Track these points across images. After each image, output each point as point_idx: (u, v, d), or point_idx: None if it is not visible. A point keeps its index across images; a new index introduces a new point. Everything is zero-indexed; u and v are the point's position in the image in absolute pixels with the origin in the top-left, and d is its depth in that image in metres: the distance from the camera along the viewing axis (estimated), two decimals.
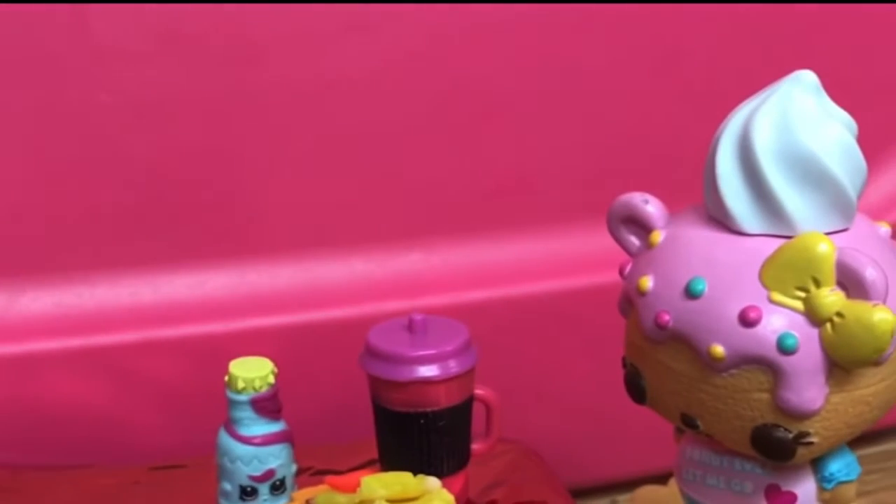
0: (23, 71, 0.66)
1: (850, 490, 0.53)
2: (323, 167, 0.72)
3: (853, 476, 0.53)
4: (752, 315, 0.47)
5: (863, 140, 0.50)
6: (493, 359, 0.63)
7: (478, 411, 0.63)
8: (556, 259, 0.76)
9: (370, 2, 0.70)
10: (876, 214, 0.58)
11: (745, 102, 0.51)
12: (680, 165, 0.64)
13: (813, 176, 0.48)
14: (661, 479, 0.63)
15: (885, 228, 0.52)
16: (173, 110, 0.69)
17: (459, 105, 0.73)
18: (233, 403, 0.58)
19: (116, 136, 0.68)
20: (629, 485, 0.66)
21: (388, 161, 0.73)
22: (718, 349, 0.48)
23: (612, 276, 0.55)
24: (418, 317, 0.61)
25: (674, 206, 0.53)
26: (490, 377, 0.63)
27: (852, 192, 0.49)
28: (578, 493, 0.75)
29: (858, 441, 0.52)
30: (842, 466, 0.53)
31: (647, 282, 0.51)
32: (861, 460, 0.54)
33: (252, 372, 0.58)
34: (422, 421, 0.60)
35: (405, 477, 0.54)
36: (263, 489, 0.58)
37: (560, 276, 0.76)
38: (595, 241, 0.70)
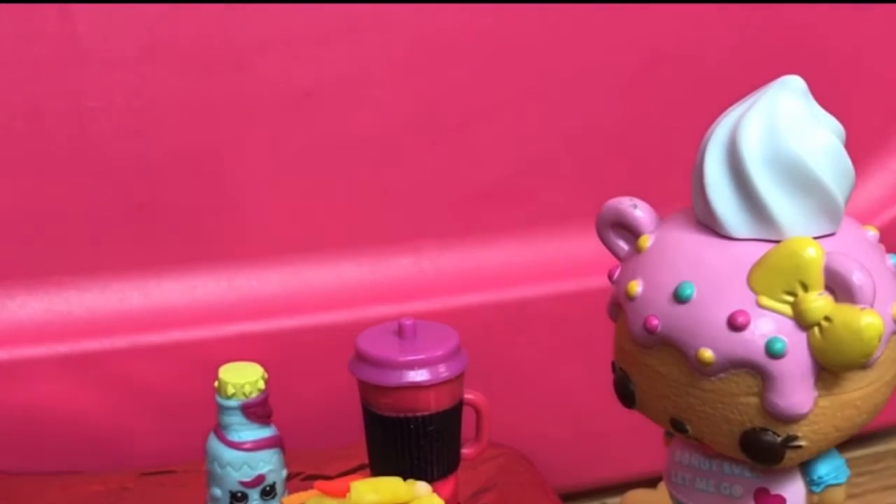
0: (9, 76, 0.66)
1: (840, 493, 0.54)
2: (312, 172, 0.72)
3: (842, 479, 0.53)
4: (741, 319, 0.47)
5: (850, 144, 0.50)
6: (482, 363, 0.63)
7: (467, 416, 0.63)
8: (545, 263, 0.76)
9: (356, 2, 0.70)
10: (864, 218, 0.58)
11: (732, 107, 0.51)
12: (668, 170, 0.64)
13: (801, 180, 0.49)
14: (651, 482, 0.63)
15: (872, 232, 0.53)
16: (161, 115, 0.69)
17: (448, 109, 0.73)
18: (223, 409, 0.58)
19: (104, 141, 0.68)
20: (619, 488, 0.66)
21: (377, 165, 0.73)
22: (707, 353, 0.48)
23: (601, 281, 0.55)
24: (408, 321, 0.61)
25: (662, 211, 0.54)
26: (480, 381, 0.63)
27: (840, 197, 0.50)
28: (568, 496, 0.75)
29: (847, 444, 0.52)
30: (830, 469, 0.53)
31: (636, 286, 0.51)
32: (850, 463, 0.54)
33: (242, 377, 0.58)
34: (411, 426, 0.60)
35: (395, 482, 0.54)
36: (254, 494, 0.58)
37: (550, 281, 0.76)
38: (584, 245, 0.71)
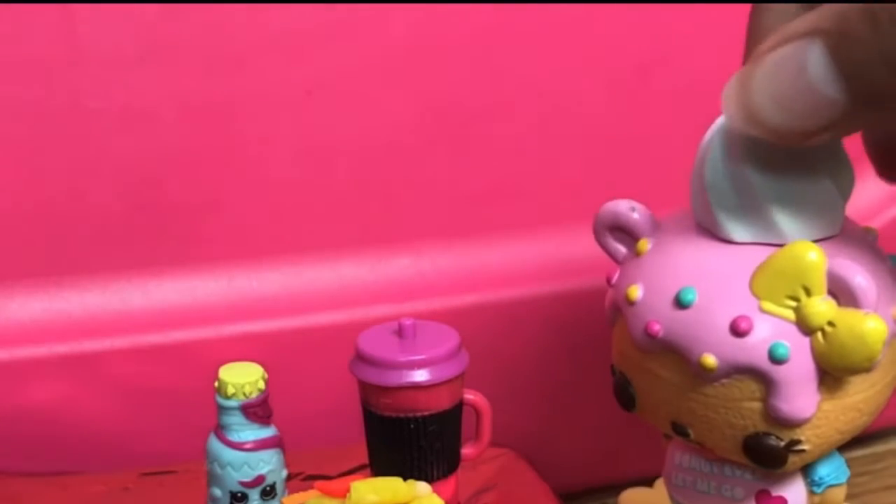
0: (8, 75, 0.66)
1: (840, 493, 0.54)
2: (311, 171, 0.72)
3: (842, 479, 0.53)
4: (743, 325, 0.47)
5: (850, 144, 0.50)
6: (483, 363, 0.63)
7: (467, 416, 0.63)
8: (545, 263, 0.76)
9: (357, 2, 0.70)
10: (864, 218, 0.58)
11: None
12: (667, 172, 0.64)
13: (801, 182, 0.49)
14: (651, 483, 0.63)
15: (872, 233, 0.53)
16: (160, 115, 0.69)
17: (448, 109, 0.73)
18: (223, 409, 0.58)
19: (104, 141, 0.68)
20: (619, 488, 0.66)
21: (377, 165, 0.73)
22: (709, 359, 0.48)
23: (601, 281, 0.55)
24: (408, 321, 0.61)
25: (661, 214, 0.53)
26: (480, 381, 0.63)
27: (840, 198, 0.50)
28: (568, 496, 0.75)
29: (847, 444, 0.52)
30: (831, 470, 0.53)
31: (636, 291, 0.51)
32: (850, 463, 0.54)
33: (242, 377, 0.58)
34: (412, 426, 0.60)
35: (395, 482, 0.54)
36: (254, 495, 0.58)
37: (550, 280, 0.76)
38: (585, 245, 0.71)
